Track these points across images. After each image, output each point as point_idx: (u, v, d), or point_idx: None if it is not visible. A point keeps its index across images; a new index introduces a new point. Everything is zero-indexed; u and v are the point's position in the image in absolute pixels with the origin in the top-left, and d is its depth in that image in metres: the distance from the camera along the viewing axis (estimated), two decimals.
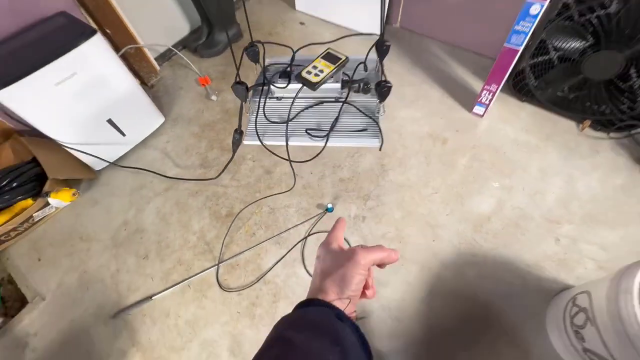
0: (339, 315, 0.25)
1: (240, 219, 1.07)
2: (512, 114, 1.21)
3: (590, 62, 0.97)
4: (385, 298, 0.90)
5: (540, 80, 1.12)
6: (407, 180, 1.10)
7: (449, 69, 1.37)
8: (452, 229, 0.99)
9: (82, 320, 0.94)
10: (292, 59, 0.73)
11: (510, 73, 1.15)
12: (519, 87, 1.19)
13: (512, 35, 0.96)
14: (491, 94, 1.12)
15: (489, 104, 1.15)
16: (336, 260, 0.30)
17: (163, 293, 0.96)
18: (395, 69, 1.39)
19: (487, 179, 1.07)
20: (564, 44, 1.00)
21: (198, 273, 0.98)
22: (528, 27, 0.93)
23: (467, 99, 1.24)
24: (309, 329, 0.23)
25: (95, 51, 0.96)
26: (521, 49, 0.98)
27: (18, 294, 1.10)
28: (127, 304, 0.95)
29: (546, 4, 0.87)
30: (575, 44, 0.98)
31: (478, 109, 1.19)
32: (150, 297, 0.95)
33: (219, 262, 0.99)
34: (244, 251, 1.01)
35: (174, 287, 0.96)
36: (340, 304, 0.26)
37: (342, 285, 0.28)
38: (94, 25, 1.17)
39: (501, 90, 1.20)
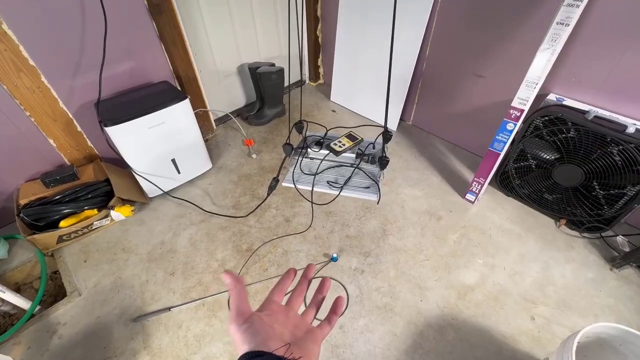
0: None
1: (257, 255, 1.26)
2: (498, 205, 1.42)
3: (558, 171, 1.22)
4: (371, 343, 1.01)
5: (523, 180, 1.36)
6: (404, 245, 1.28)
7: (448, 161, 1.65)
8: (438, 293, 1.13)
9: (107, 318, 1.08)
10: (325, 134, 1.02)
11: (498, 172, 1.41)
12: (504, 184, 1.43)
13: (494, 142, 1.24)
14: (480, 185, 1.36)
15: (479, 193, 1.38)
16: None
17: (180, 307, 1.10)
18: (404, 155, 1.69)
19: (473, 255, 1.24)
20: (538, 154, 1.26)
21: (213, 294, 1.13)
22: (506, 138, 1.21)
23: (461, 187, 1.49)
24: None
25: (182, 110, 1.31)
26: (502, 153, 1.25)
27: (54, 289, 1.27)
28: (149, 311, 1.10)
29: (519, 124, 1.16)
30: (546, 156, 1.24)
31: (469, 196, 1.42)
32: (169, 308, 1.10)
33: None
34: (255, 282, 1.17)
35: (190, 303, 1.11)
36: (281, 352, 0.27)
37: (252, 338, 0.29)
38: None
39: (491, 185, 1.45)
